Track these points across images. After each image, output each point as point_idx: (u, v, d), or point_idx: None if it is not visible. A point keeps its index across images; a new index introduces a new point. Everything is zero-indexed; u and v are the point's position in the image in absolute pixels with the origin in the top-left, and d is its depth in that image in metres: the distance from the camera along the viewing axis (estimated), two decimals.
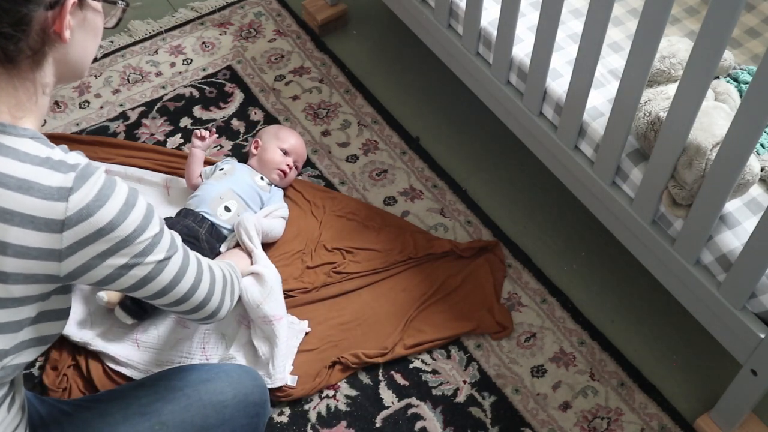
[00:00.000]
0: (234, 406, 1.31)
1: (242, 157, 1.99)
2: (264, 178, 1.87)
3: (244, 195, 1.80)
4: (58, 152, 1.03)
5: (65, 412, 1.28)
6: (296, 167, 1.92)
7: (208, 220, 1.73)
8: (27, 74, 1.02)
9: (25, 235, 0.99)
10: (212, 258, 1.70)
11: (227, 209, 1.76)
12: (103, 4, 1.09)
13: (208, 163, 1.93)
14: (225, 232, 1.76)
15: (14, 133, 1.01)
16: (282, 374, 1.60)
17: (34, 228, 0.99)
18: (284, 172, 1.88)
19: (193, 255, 1.22)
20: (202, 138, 1.89)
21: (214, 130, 1.93)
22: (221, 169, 1.84)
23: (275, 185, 1.89)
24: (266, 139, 1.92)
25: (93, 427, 1.25)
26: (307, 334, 1.69)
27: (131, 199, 1.07)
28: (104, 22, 1.11)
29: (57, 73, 1.07)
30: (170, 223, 1.71)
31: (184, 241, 1.65)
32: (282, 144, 1.90)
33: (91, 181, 1.02)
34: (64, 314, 1.13)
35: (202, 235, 1.71)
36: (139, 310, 1.63)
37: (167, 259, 1.14)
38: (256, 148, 1.92)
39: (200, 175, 1.86)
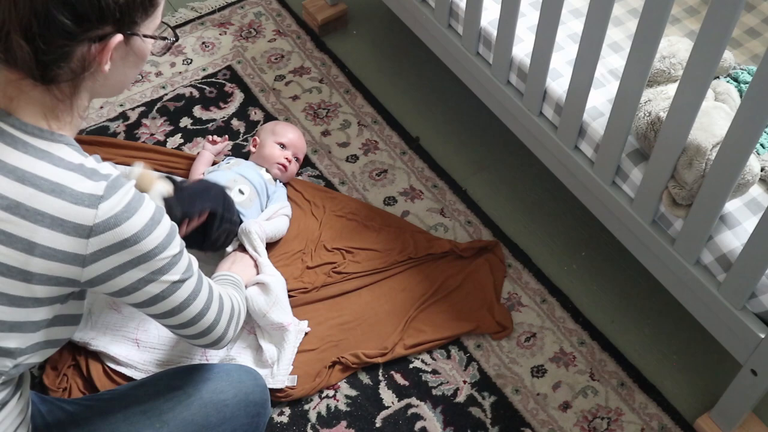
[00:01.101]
0: (234, 405, 1.31)
1: (243, 157, 1.98)
2: (268, 171, 1.88)
3: (254, 181, 1.81)
4: (92, 161, 1.06)
5: (66, 411, 1.29)
6: (297, 159, 1.93)
7: (229, 197, 1.71)
8: (65, 94, 1.04)
9: (53, 237, 1.02)
10: (233, 233, 1.70)
11: (241, 192, 1.78)
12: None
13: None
14: (241, 213, 1.75)
15: (50, 138, 1.04)
16: (284, 376, 1.61)
17: (63, 231, 1.02)
18: (284, 166, 1.89)
19: (207, 282, 1.24)
20: (214, 143, 1.94)
21: (227, 136, 1.97)
22: (228, 163, 1.87)
23: (279, 180, 1.89)
24: (263, 136, 1.93)
25: (94, 426, 1.26)
26: (306, 334, 1.69)
27: (157, 215, 1.09)
28: (152, 48, 1.11)
29: (93, 96, 1.09)
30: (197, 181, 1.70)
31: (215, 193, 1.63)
32: (279, 138, 1.91)
33: (122, 192, 1.05)
34: (76, 320, 1.15)
35: (230, 198, 1.68)
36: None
37: (182, 281, 1.16)
38: (254, 146, 1.93)
39: (203, 174, 1.87)
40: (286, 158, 1.89)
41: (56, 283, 1.05)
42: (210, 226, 1.59)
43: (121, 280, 1.09)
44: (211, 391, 1.31)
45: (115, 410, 1.28)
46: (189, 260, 1.18)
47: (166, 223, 1.11)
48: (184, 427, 1.27)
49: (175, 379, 1.33)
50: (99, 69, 1.03)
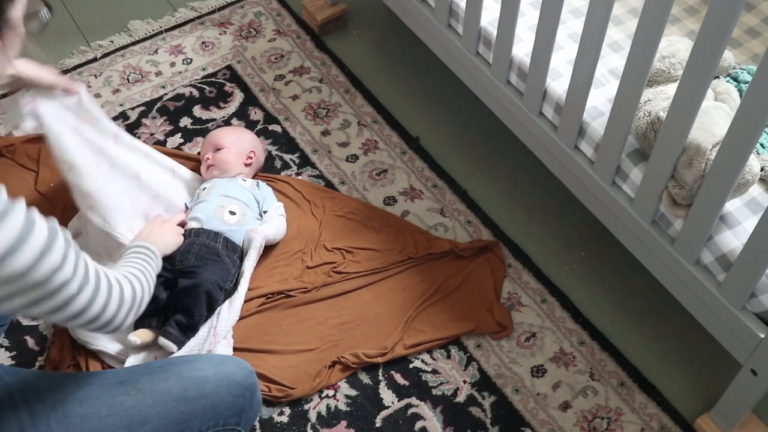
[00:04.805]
0: (216, 382, 1.30)
1: None
2: (245, 179, 1.86)
3: (239, 196, 1.80)
4: None
5: (41, 378, 1.27)
6: (219, 150, 1.87)
7: (221, 234, 1.73)
8: None
9: None
10: (235, 270, 1.71)
11: (232, 213, 1.77)
12: (26, 15, 1.04)
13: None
14: (236, 238, 1.75)
15: None
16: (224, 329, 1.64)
17: None
18: (210, 165, 1.85)
19: (93, 273, 1.13)
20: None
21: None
22: (204, 189, 1.82)
23: (259, 183, 1.88)
24: (203, 152, 1.91)
25: (67, 392, 1.24)
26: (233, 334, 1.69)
27: (25, 233, 0.99)
28: (25, 27, 1.05)
29: None
30: (187, 243, 1.70)
31: (204, 260, 1.65)
32: (204, 152, 1.89)
33: (8, 223, 0.97)
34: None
35: (221, 251, 1.70)
36: (182, 336, 1.61)
37: (78, 292, 1.08)
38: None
39: (186, 206, 1.84)
40: (206, 158, 1.87)
41: None
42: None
43: (12, 304, 1.01)
44: (190, 369, 1.31)
45: (92, 381, 1.27)
46: (85, 267, 1.09)
47: (60, 245, 1.02)
48: (160, 397, 1.26)
49: (155, 363, 1.35)
50: None
